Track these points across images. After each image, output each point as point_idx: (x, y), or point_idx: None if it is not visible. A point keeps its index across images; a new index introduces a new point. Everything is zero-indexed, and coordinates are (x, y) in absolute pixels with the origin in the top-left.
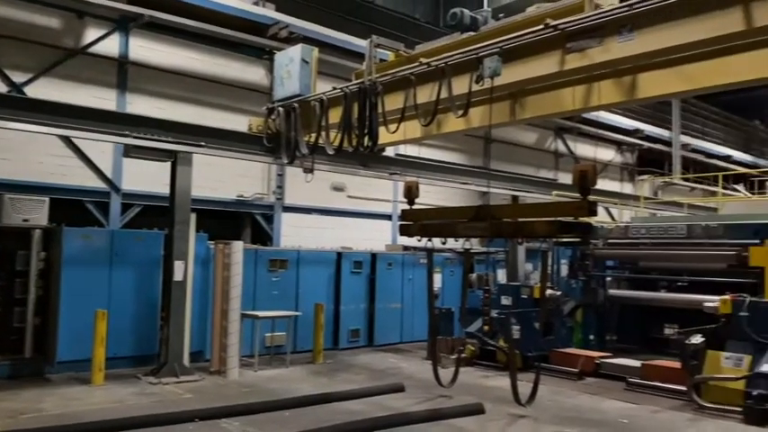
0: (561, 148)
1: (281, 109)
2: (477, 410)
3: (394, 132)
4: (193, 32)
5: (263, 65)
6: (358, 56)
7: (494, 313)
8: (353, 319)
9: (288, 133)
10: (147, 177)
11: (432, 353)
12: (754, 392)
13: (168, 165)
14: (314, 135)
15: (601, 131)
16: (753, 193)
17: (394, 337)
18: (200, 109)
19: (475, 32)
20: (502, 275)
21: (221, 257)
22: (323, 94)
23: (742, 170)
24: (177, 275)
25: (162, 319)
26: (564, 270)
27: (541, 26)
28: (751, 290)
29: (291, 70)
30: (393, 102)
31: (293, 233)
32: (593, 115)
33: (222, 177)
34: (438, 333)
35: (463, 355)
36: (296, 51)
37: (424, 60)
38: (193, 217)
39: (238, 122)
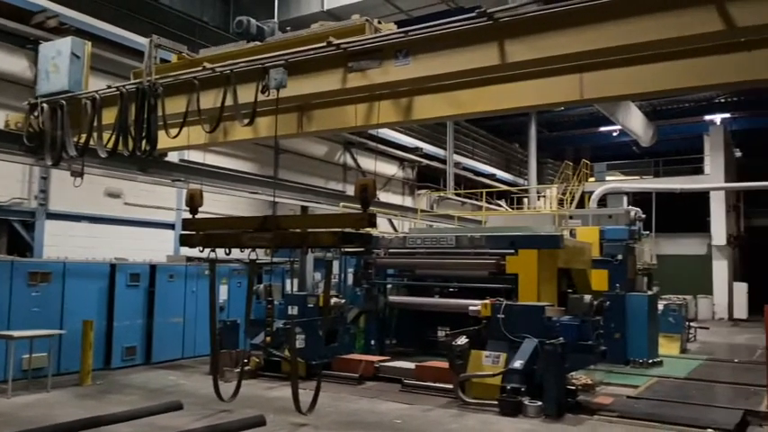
0: (349, 161)
1: (45, 105)
2: (257, 423)
3: (175, 137)
4: None
5: (27, 55)
6: (139, 54)
7: (280, 323)
8: (129, 336)
9: (53, 132)
10: None
11: (213, 367)
12: (508, 386)
13: None
14: (84, 136)
15: (385, 148)
16: (512, 208)
17: (175, 352)
18: None
19: (261, 42)
20: (292, 285)
21: None
22: (96, 92)
23: (504, 187)
24: None
25: None
26: (351, 279)
27: (325, 43)
28: (507, 294)
29: (59, 64)
30: (175, 105)
31: (59, 243)
32: (380, 132)
33: None
34: (221, 346)
35: (247, 367)
36: (65, 44)
37: (208, 65)
38: None
39: None
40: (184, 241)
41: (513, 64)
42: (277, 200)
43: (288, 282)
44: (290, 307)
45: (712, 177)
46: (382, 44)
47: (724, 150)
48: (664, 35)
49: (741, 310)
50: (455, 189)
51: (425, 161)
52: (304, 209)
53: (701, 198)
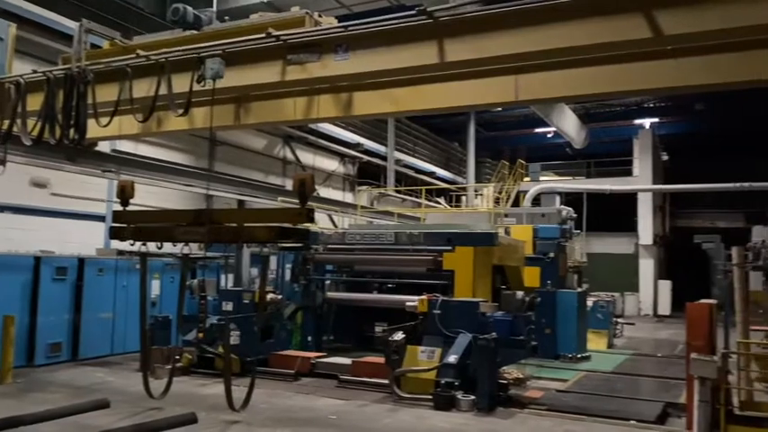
0: (289, 155)
1: None
2: (188, 420)
3: (106, 126)
4: None
5: None
6: (68, 39)
7: (214, 319)
8: (54, 332)
9: None
10: None
11: (143, 364)
12: (442, 381)
13: None
14: (7, 122)
15: (326, 143)
16: (451, 206)
17: (104, 349)
18: None
19: (198, 31)
20: (228, 281)
21: None
22: (20, 76)
23: (443, 185)
24: None
25: None
26: (289, 274)
27: (264, 35)
28: (444, 290)
29: None
30: (107, 93)
31: None
32: (320, 127)
33: None
34: (152, 342)
35: (179, 364)
36: None
37: (142, 53)
38: None
39: None
40: (115, 234)
41: (451, 63)
42: (212, 193)
43: (223, 277)
44: (224, 303)
45: (640, 179)
46: (322, 38)
47: (652, 153)
48: (594, 40)
49: (665, 307)
50: (395, 186)
51: (366, 157)
52: (241, 203)
53: (630, 199)
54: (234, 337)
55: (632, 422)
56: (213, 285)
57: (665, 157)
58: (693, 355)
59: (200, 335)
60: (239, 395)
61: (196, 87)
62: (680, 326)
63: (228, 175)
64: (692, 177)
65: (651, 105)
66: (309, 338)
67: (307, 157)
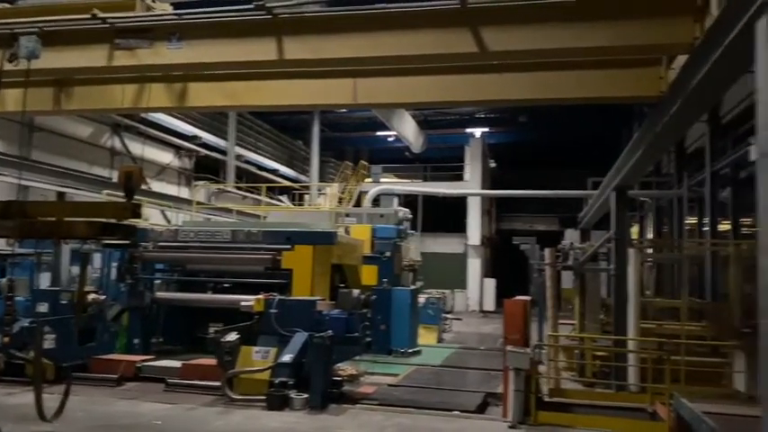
0: (118, 145)
1: None
2: None
3: None
4: None
5: None
6: None
7: (26, 322)
8: None
9: None
10: None
11: None
12: (276, 381)
13: None
14: None
15: (160, 134)
16: (294, 204)
17: None
18: None
19: (11, 5)
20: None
21: None
22: None
23: (286, 183)
24: None
25: None
26: (115, 273)
27: (89, 15)
28: (282, 289)
29: None
30: None
31: None
32: (154, 117)
33: None
34: None
35: None
36: None
37: None
38: None
39: None
40: None
41: (290, 61)
42: (27, 183)
43: (40, 276)
44: (38, 303)
45: (471, 184)
46: (153, 24)
47: (481, 161)
48: (425, 50)
49: (490, 303)
50: (236, 182)
51: (205, 151)
52: (61, 195)
53: (461, 202)
54: (49, 341)
55: (455, 412)
56: (26, 285)
57: (493, 165)
58: (509, 348)
59: (6, 339)
60: (53, 404)
61: (8, 66)
62: (502, 321)
63: (47, 165)
64: (515, 184)
65: (482, 116)
66: (136, 341)
67: (138, 148)
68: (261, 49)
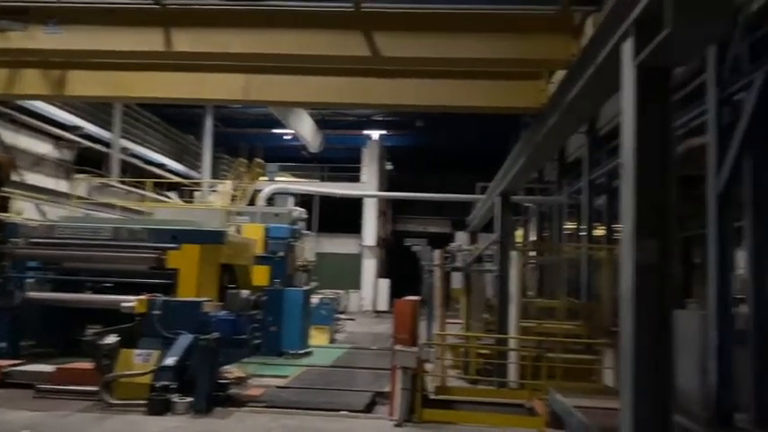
0: None
1: None
2: None
3: None
4: None
5: None
6: None
7: None
8: None
9: None
10: None
11: None
12: (158, 384)
13: None
14: None
15: (37, 122)
16: (184, 201)
17: None
18: None
19: None
20: None
21: None
22: None
23: (175, 179)
24: None
25: None
26: None
27: None
28: (167, 290)
29: None
30: None
31: None
32: (31, 104)
33: None
34: None
35: None
36: None
37: None
38: None
39: None
40: None
41: (178, 53)
42: None
43: None
44: None
45: (367, 185)
46: (28, 5)
47: (378, 163)
48: (318, 51)
49: (383, 303)
50: (120, 176)
51: (87, 143)
52: None
53: (358, 203)
54: None
55: (343, 412)
56: None
57: (390, 167)
58: (397, 347)
59: None
60: None
61: None
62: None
63: None
64: (411, 186)
65: (380, 118)
66: (3, 344)
67: (10, 137)
68: (148, 40)
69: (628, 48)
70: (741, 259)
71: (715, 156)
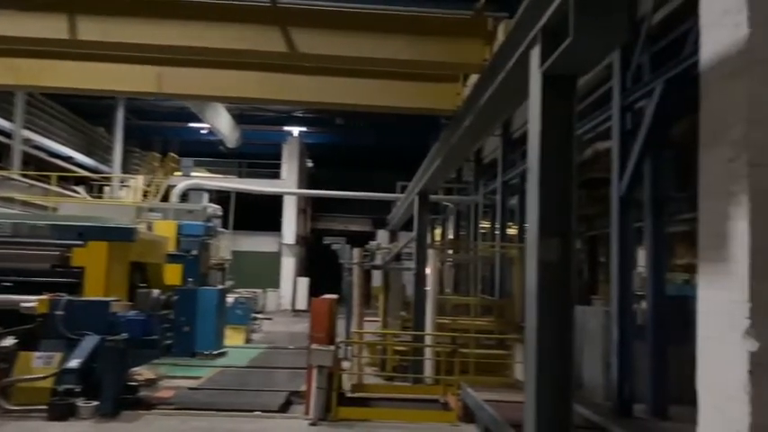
0: None
1: None
2: None
3: None
4: None
5: None
6: None
7: None
8: None
9: None
10: None
11: None
12: (61, 388)
13: None
14: None
15: None
16: (93, 196)
17: None
18: None
19: None
20: None
21: None
22: None
23: (83, 173)
24: None
25: None
26: None
27: None
28: (72, 289)
29: None
30: None
31: None
32: None
33: None
34: None
35: None
36: None
37: None
38: None
39: None
40: None
41: (83, 42)
42: None
43: None
44: None
45: (287, 183)
46: None
47: (298, 160)
48: (233, 45)
49: (302, 302)
50: (22, 169)
51: None
52: None
53: (277, 200)
54: None
55: (257, 413)
56: None
57: (310, 164)
58: (313, 346)
59: None
60: None
61: None
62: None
63: None
64: (332, 184)
65: (300, 115)
66: None
67: None
68: (50, 26)
69: (535, 55)
70: (642, 258)
71: (618, 160)
